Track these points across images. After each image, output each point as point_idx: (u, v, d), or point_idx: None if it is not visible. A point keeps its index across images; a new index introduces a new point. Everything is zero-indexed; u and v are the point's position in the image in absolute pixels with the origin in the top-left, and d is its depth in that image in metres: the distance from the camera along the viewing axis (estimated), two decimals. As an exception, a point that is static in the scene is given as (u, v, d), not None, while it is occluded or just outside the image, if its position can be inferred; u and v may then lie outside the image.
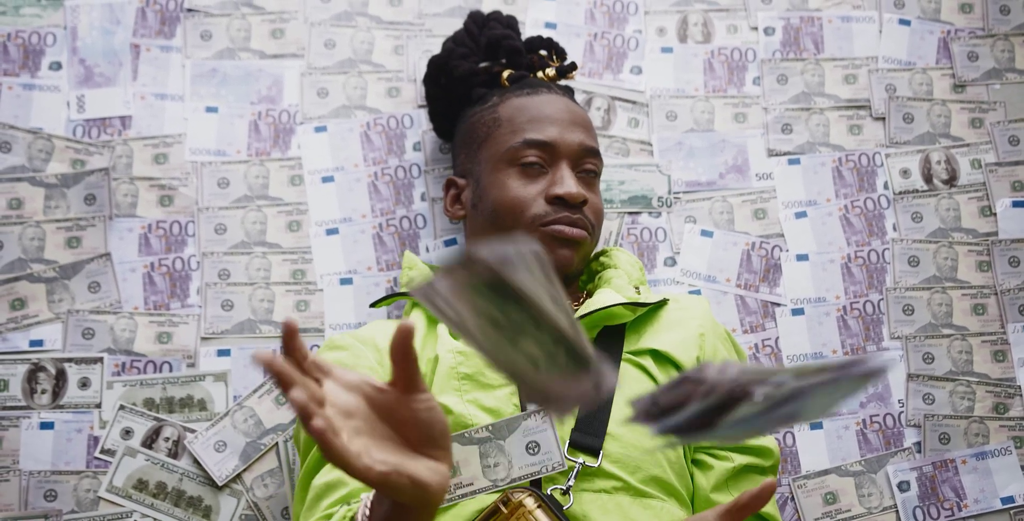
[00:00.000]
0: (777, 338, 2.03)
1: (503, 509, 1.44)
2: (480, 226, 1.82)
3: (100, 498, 1.87)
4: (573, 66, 1.97)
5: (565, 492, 1.53)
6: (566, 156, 1.80)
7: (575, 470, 1.55)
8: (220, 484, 1.88)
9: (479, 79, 1.93)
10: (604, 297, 1.73)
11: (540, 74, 1.95)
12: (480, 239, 1.80)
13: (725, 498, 1.64)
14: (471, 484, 1.52)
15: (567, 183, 1.76)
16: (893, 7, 2.21)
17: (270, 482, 1.90)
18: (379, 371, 1.69)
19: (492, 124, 1.84)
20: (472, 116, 1.89)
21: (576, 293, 1.84)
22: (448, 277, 1.05)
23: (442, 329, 1.71)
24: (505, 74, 1.93)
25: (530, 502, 1.45)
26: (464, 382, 1.63)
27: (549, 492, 1.53)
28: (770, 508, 1.69)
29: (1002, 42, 2.20)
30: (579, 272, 1.83)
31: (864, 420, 2.00)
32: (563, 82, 1.98)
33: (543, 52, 2.00)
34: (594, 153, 1.84)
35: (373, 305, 1.88)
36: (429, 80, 2.00)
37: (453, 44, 1.97)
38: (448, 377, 1.63)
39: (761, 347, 2.02)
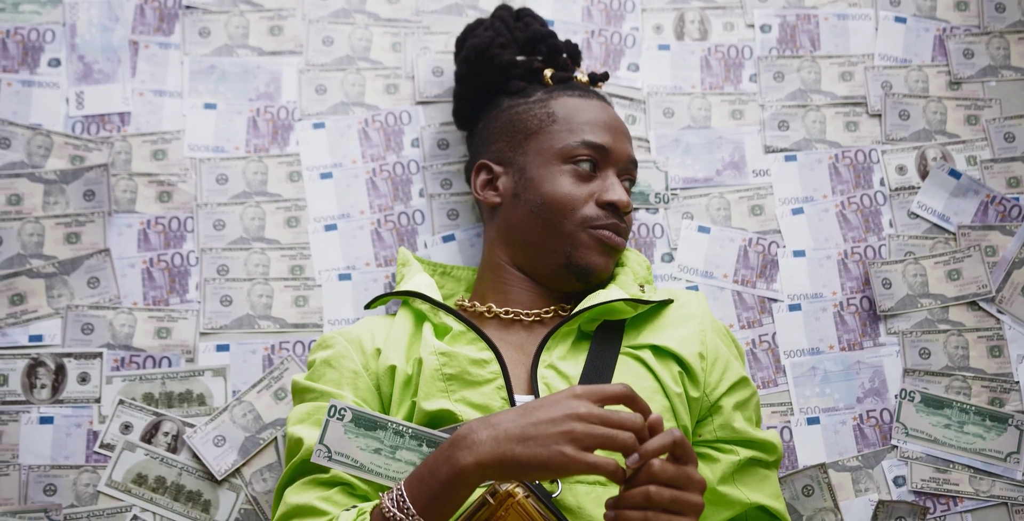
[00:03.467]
0: (774, 334, 2.04)
1: (491, 500, 1.44)
2: (522, 216, 1.82)
3: (99, 492, 1.87)
4: (606, 76, 2.00)
5: (553, 480, 1.54)
6: (615, 164, 1.84)
7: None
8: (219, 478, 1.89)
9: (518, 71, 1.95)
10: (607, 293, 1.75)
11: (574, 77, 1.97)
12: (518, 228, 1.82)
13: (731, 490, 1.67)
14: None
15: (618, 191, 1.80)
16: (889, 5, 2.22)
17: (269, 477, 1.90)
18: (362, 374, 1.70)
19: (546, 119, 1.85)
20: (517, 107, 1.89)
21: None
22: (329, 431, 1.47)
23: (427, 330, 1.72)
24: (548, 72, 1.95)
25: (519, 492, 1.45)
26: (451, 383, 1.63)
27: (537, 481, 1.53)
28: (776, 503, 1.71)
29: (997, 39, 2.21)
30: (608, 278, 1.84)
31: (861, 415, 2.00)
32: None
33: (564, 55, 2.01)
34: (636, 166, 1.89)
35: (367, 307, 1.89)
36: (464, 63, 1.99)
37: (493, 33, 1.97)
38: (433, 379, 1.64)
39: (758, 343, 2.03)
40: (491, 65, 1.94)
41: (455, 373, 1.64)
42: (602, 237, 1.78)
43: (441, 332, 1.73)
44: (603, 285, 1.83)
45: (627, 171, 1.87)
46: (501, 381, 1.63)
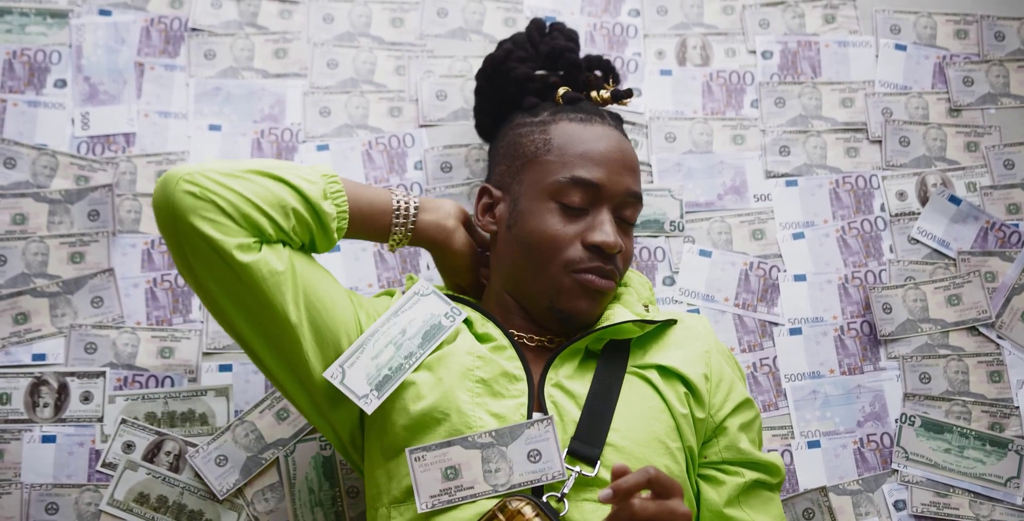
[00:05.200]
0: (775, 357, 2.04)
1: (500, 516, 1.45)
2: (510, 249, 1.77)
3: (101, 511, 1.87)
4: (629, 93, 1.92)
5: (560, 499, 1.54)
6: (609, 200, 1.75)
7: (571, 477, 1.56)
8: (221, 498, 1.89)
9: (533, 86, 1.90)
10: (614, 313, 1.74)
11: (594, 94, 1.91)
12: (509, 262, 1.78)
13: (737, 513, 1.67)
14: (471, 488, 1.53)
15: (606, 231, 1.72)
16: (889, 32, 2.24)
17: (271, 496, 1.90)
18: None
19: (541, 146, 1.78)
20: (521, 127, 1.84)
21: None
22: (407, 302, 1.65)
23: (463, 329, 1.73)
24: (561, 90, 1.88)
25: (528, 510, 1.46)
26: (478, 385, 1.63)
27: (545, 499, 1.54)
28: None
29: (997, 67, 2.23)
30: (598, 317, 1.79)
31: (861, 439, 2.01)
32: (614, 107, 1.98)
33: (598, 72, 1.95)
34: (638, 199, 1.80)
35: None
36: (482, 76, 1.97)
37: (513, 46, 1.94)
38: (463, 377, 1.63)
39: (759, 366, 2.04)
40: (507, 78, 1.91)
41: (486, 378, 1.64)
42: (584, 281, 1.72)
43: (481, 341, 1.72)
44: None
45: (626, 205, 1.78)
46: (525, 399, 1.63)
